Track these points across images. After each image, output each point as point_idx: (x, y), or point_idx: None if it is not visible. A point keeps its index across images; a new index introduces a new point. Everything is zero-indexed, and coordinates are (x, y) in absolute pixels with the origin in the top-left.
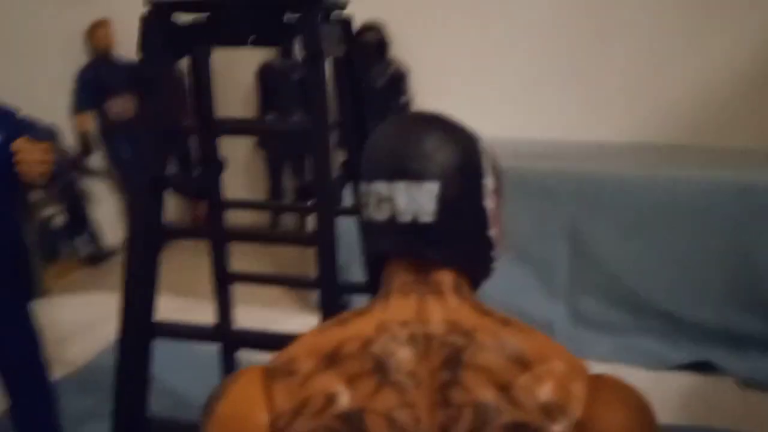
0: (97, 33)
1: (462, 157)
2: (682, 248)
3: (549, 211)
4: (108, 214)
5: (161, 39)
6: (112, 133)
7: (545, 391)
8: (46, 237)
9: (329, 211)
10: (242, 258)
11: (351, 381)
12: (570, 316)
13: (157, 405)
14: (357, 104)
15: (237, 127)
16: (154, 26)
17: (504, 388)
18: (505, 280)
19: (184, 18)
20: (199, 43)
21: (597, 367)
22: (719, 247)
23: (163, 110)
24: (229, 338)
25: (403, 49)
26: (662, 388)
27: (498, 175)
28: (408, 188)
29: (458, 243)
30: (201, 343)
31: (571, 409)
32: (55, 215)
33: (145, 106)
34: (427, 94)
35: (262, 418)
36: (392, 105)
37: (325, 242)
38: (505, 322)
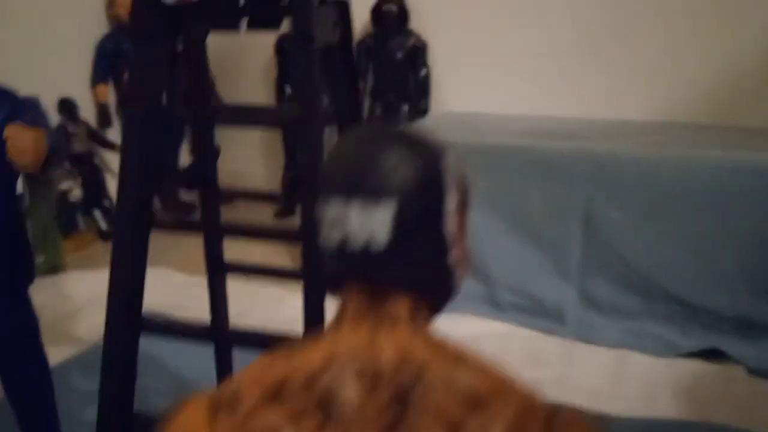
0: (117, 3)
1: (422, 176)
2: (697, 232)
3: (563, 192)
4: None
5: (153, 20)
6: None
7: None
8: (64, 210)
9: (314, 204)
10: (258, 247)
11: (294, 418)
12: (581, 300)
13: (148, 400)
14: (352, 92)
15: (226, 118)
16: (145, 6)
17: (454, 429)
18: (517, 263)
19: None
20: (192, 25)
21: (607, 353)
22: (735, 231)
23: (153, 94)
24: (221, 337)
25: (422, 22)
26: (671, 375)
27: (464, 191)
28: (361, 209)
29: (415, 267)
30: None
31: None
32: (73, 188)
33: (133, 90)
34: (445, 68)
35: None
36: (411, 77)
37: (308, 236)
38: (459, 357)
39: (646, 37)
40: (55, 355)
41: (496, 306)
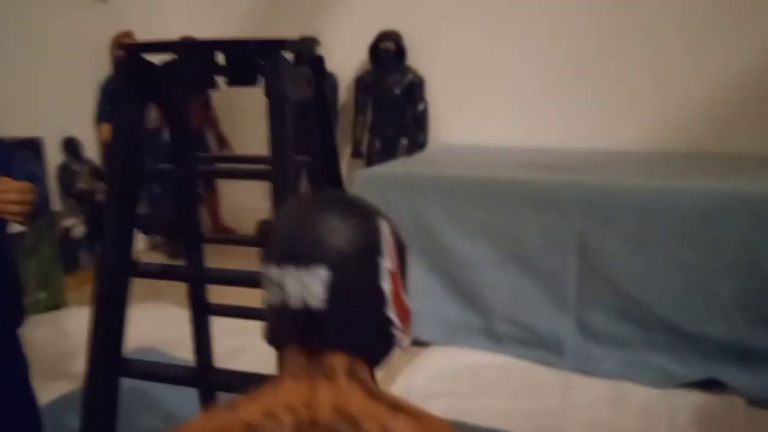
0: (121, 43)
1: (357, 240)
2: (692, 261)
3: (558, 223)
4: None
5: (133, 80)
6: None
7: None
8: (67, 247)
9: None
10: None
11: None
12: (578, 331)
13: None
14: (329, 146)
15: (204, 171)
16: (126, 68)
17: None
18: (513, 294)
19: (158, 60)
20: (169, 85)
21: (605, 384)
22: (731, 259)
23: (133, 151)
24: (204, 382)
25: (419, 58)
26: (669, 406)
27: (401, 253)
28: (297, 274)
29: (353, 327)
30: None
31: None
32: (76, 225)
33: (114, 146)
34: (442, 102)
35: None
36: (409, 112)
37: None
38: (396, 408)
39: (638, 70)
40: (54, 391)
41: (493, 338)
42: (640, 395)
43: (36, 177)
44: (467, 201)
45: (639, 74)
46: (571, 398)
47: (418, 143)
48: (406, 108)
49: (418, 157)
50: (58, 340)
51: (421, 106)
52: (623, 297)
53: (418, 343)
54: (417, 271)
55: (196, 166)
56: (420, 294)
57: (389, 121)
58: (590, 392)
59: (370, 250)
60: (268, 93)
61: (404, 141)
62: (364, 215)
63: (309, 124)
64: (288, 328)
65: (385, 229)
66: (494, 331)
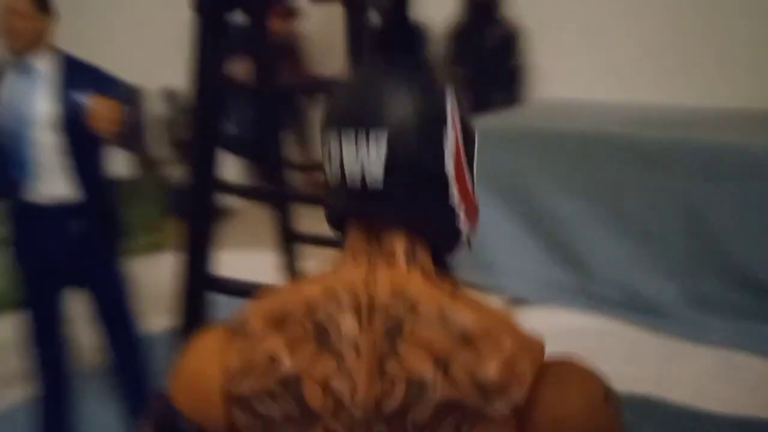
0: None
1: (421, 107)
2: None
3: (665, 183)
4: (229, 175)
5: None
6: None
7: (485, 370)
8: (171, 195)
9: None
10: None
11: (293, 345)
12: (683, 297)
13: None
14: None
15: (287, 85)
16: None
17: (442, 364)
18: (614, 255)
19: None
20: None
21: (709, 353)
22: None
23: (217, 67)
24: None
25: (518, 7)
26: None
27: (467, 130)
28: (354, 143)
29: (411, 204)
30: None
31: (513, 391)
32: (180, 175)
33: (201, 63)
34: (542, 56)
35: (218, 375)
36: (504, 65)
37: None
38: (455, 294)
39: (751, 26)
40: (153, 325)
41: (591, 299)
42: (751, 367)
43: (130, 100)
44: (566, 157)
45: (752, 30)
46: (675, 365)
47: (513, 98)
48: (501, 61)
49: (515, 112)
50: (158, 282)
51: (516, 60)
52: (734, 263)
53: (513, 300)
54: (511, 228)
55: (278, 80)
56: (515, 251)
57: (483, 75)
58: (696, 361)
59: (435, 120)
60: None
61: (498, 95)
62: (431, 86)
63: (387, 36)
64: (347, 203)
65: (452, 103)
66: (592, 292)
